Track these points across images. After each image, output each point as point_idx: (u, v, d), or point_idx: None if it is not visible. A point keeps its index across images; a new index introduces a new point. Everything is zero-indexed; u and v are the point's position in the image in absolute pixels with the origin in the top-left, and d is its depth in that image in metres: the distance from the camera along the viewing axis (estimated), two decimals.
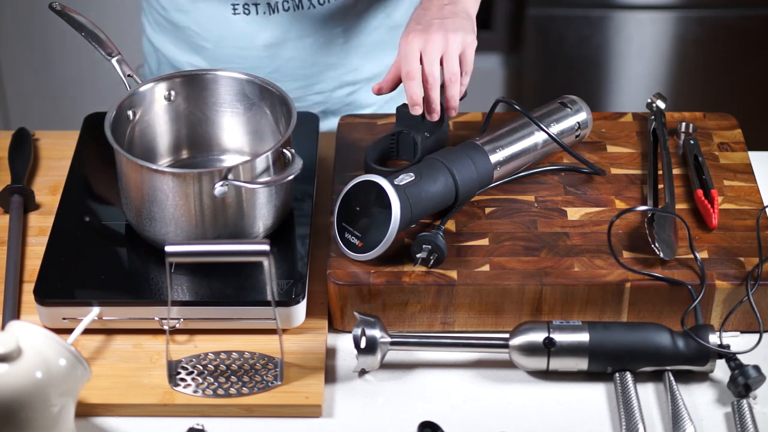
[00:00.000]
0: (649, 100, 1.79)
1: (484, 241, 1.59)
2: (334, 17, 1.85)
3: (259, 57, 1.85)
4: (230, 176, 1.51)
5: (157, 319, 1.53)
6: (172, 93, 1.67)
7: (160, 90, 1.66)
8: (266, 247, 1.39)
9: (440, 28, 1.61)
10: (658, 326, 1.49)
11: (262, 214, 1.57)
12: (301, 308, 1.53)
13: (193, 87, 1.67)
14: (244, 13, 1.81)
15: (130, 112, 1.62)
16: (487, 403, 1.48)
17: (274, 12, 1.82)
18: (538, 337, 1.48)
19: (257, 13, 1.81)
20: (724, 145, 1.75)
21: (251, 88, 1.66)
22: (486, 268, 1.55)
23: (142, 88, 1.64)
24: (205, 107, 1.69)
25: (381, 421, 1.46)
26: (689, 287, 1.52)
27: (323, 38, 1.86)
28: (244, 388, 1.47)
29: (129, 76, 1.65)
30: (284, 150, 1.55)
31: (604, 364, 1.49)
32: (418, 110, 1.61)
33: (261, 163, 1.53)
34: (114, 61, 1.66)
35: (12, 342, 1.33)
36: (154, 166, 1.55)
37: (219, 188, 1.51)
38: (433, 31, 1.60)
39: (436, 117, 1.63)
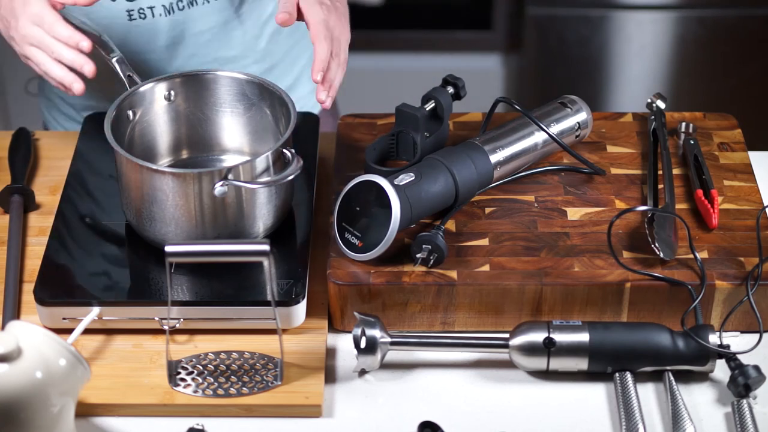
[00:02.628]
0: (649, 100, 1.79)
1: (484, 241, 1.59)
2: (229, 10, 1.85)
3: (160, 59, 1.85)
4: (230, 176, 1.51)
5: (157, 319, 1.53)
6: (172, 93, 1.67)
7: (160, 90, 1.66)
8: (266, 247, 1.39)
9: (340, 17, 1.62)
10: (658, 326, 1.49)
11: (262, 214, 1.57)
12: (301, 308, 1.53)
13: (192, 87, 1.67)
14: (141, 17, 1.81)
15: (130, 112, 1.62)
16: (487, 403, 1.48)
17: (170, 12, 1.81)
18: (538, 337, 1.48)
19: (153, 15, 1.81)
20: (724, 145, 1.75)
21: (251, 88, 1.66)
22: (486, 268, 1.55)
23: (141, 88, 1.64)
24: (205, 107, 1.69)
25: (381, 421, 1.46)
26: (689, 287, 1.52)
27: (221, 33, 1.86)
28: (244, 388, 1.47)
29: (129, 76, 1.65)
30: (284, 150, 1.56)
31: (604, 364, 1.49)
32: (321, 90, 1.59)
33: (261, 163, 1.53)
34: (114, 61, 1.66)
35: (12, 342, 1.33)
36: (154, 166, 1.55)
37: (219, 188, 1.51)
38: (337, 16, 1.61)
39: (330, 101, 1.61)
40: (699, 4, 3.19)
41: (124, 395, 1.47)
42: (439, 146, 1.70)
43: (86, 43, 1.57)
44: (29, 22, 1.59)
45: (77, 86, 1.61)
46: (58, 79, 1.62)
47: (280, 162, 1.56)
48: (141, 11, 1.80)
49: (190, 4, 1.81)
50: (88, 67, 1.60)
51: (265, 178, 1.53)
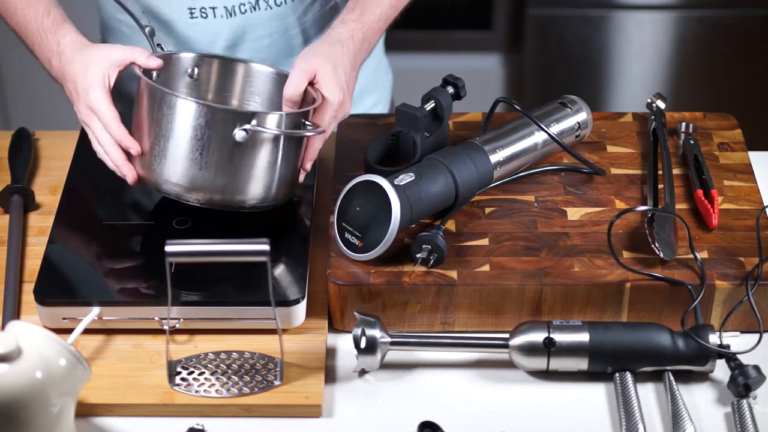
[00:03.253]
0: (649, 100, 1.79)
1: (484, 241, 1.59)
2: (291, 18, 1.85)
3: None
4: (254, 122, 1.50)
5: (157, 319, 1.53)
6: (196, 71, 1.66)
7: (186, 63, 1.64)
8: (266, 247, 1.39)
9: (348, 97, 1.64)
10: (658, 326, 1.49)
11: (267, 176, 1.55)
12: (301, 308, 1.53)
13: (218, 70, 1.66)
14: (202, 16, 1.81)
15: (153, 73, 1.60)
16: (487, 403, 1.48)
17: (231, 15, 1.81)
18: (538, 337, 1.48)
19: (215, 16, 1.81)
20: (724, 145, 1.75)
21: (276, 82, 1.65)
22: (486, 268, 1.55)
23: (170, 55, 1.62)
24: (224, 92, 1.68)
25: (381, 421, 1.46)
26: (689, 287, 1.52)
27: (281, 39, 1.86)
28: (244, 388, 1.47)
29: (159, 46, 1.64)
30: (305, 121, 1.55)
31: (604, 364, 1.49)
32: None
33: (284, 119, 1.53)
34: (147, 31, 1.65)
35: (12, 342, 1.33)
36: (182, 96, 1.54)
37: (240, 131, 1.50)
38: (348, 98, 1.63)
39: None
40: (699, 4, 3.19)
41: (124, 395, 1.47)
42: (439, 146, 1.70)
43: (135, 150, 1.56)
44: (87, 108, 1.59)
45: (130, 179, 1.60)
46: (111, 167, 1.61)
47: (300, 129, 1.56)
48: (203, 10, 1.80)
49: (252, 8, 1.81)
50: (130, 177, 1.59)
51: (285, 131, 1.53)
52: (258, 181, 1.56)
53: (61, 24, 1.67)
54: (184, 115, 1.52)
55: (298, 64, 1.59)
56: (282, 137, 1.54)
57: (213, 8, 1.80)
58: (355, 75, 1.66)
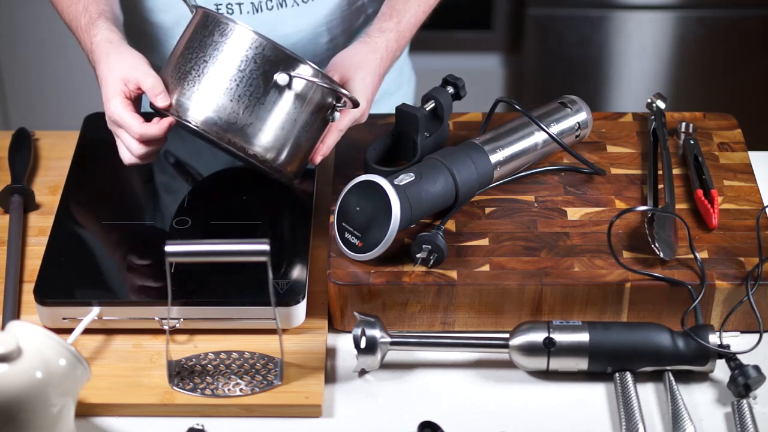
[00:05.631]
0: (649, 100, 1.79)
1: (484, 241, 1.59)
2: (318, 15, 1.85)
3: None
4: (299, 70, 1.51)
5: (157, 319, 1.53)
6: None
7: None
8: (266, 247, 1.39)
9: (369, 110, 1.66)
10: (658, 326, 1.50)
11: (285, 132, 1.54)
12: (301, 308, 1.53)
13: None
14: (228, 12, 1.80)
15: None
16: (487, 403, 1.48)
17: (258, 11, 1.81)
18: (538, 337, 1.48)
19: (241, 12, 1.80)
20: (724, 145, 1.75)
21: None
22: (486, 268, 1.55)
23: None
24: None
25: (381, 421, 1.46)
26: (689, 287, 1.52)
27: (308, 37, 1.86)
28: (244, 388, 1.48)
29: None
30: (346, 98, 1.56)
31: (604, 364, 1.49)
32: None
33: (324, 80, 1.53)
34: None
35: (12, 342, 1.33)
36: (238, 23, 1.53)
37: (282, 75, 1.51)
38: (369, 107, 1.66)
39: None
40: (699, 4, 3.19)
41: (124, 395, 1.47)
42: (439, 146, 1.70)
43: (162, 102, 1.55)
44: (110, 119, 1.59)
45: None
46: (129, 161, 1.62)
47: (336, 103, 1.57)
48: (229, 6, 1.79)
49: (280, 4, 1.81)
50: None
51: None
52: (274, 132, 1.54)
53: (95, 22, 1.66)
54: (236, 42, 1.51)
55: (330, 76, 1.61)
56: (312, 108, 1.54)
57: (239, 4, 1.80)
58: (380, 83, 1.68)
